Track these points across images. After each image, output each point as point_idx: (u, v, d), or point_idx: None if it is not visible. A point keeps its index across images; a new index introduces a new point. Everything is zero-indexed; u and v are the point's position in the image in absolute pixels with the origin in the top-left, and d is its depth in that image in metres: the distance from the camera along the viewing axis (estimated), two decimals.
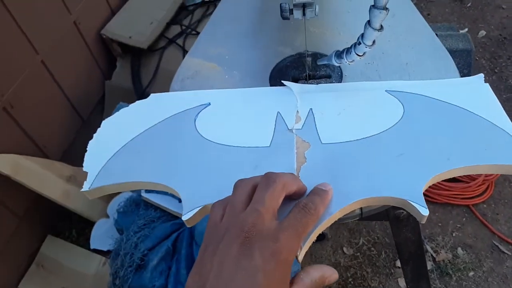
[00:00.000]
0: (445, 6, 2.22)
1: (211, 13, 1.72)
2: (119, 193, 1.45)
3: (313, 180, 0.46)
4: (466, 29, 2.07)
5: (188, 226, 0.47)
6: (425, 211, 0.41)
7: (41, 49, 1.36)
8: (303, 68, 0.61)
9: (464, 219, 1.45)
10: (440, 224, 1.44)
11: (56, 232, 1.48)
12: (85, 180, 0.50)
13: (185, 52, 1.63)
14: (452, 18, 2.15)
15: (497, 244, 1.37)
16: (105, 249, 1.40)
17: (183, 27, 1.69)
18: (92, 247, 1.40)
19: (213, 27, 0.75)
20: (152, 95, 0.60)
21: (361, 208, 0.49)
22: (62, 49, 1.46)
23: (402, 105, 0.52)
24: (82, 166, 0.52)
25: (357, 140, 0.49)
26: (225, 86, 0.61)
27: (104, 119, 0.57)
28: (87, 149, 0.53)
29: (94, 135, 0.55)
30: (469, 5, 2.19)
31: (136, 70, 1.62)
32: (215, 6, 0.74)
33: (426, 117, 0.50)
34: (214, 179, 0.48)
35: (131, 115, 0.58)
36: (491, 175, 1.45)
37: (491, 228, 1.40)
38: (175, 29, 1.71)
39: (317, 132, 0.51)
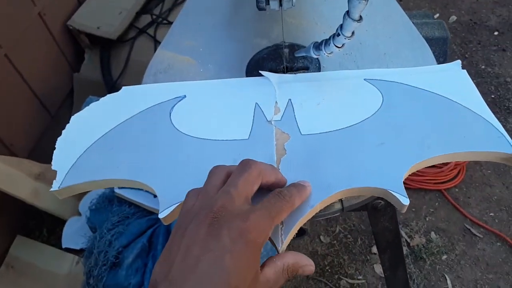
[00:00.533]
0: None
1: (182, 2, 1.69)
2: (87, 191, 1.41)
3: (294, 172, 0.45)
4: (438, 15, 2.10)
5: (165, 224, 0.45)
6: (405, 200, 0.41)
7: (4, 42, 1.29)
8: (280, 60, 0.60)
9: (436, 203, 1.48)
10: (413, 210, 1.47)
11: (26, 231, 1.43)
12: (55, 179, 0.48)
13: (156, 42, 1.59)
14: (423, 4, 2.18)
15: (469, 227, 1.41)
16: (77, 247, 1.36)
17: (154, 17, 1.65)
18: (64, 246, 1.36)
19: (186, 18, 0.72)
20: (124, 88, 0.57)
21: (342, 203, 0.48)
22: (26, 41, 1.39)
23: (381, 93, 0.51)
24: (51, 164, 0.49)
25: (337, 130, 0.48)
26: (200, 80, 0.59)
27: (73, 113, 0.54)
28: (55, 146, 0.51)
29: (63, 131, 0.52)
30: None
31: (105, 62, 1.57)
32: None
33: (405, 105, 0.50)
34: (192, 175, 0.47)
35: (102, 109, 0.55)
36: None
37: (463, 211, 1.44)
38: (146, 19, 1.66)
39: (297, 123, 0.50)
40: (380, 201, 0.67)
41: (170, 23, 1.62)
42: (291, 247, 1.43)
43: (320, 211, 0.45)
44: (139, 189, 0.49)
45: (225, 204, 0.33)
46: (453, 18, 2.08)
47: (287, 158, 0.47)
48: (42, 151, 1.45)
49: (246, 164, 0.37)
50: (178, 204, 0.44)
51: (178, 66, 0.62)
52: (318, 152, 0.47)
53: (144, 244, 1.25)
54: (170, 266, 0.31)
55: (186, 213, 0.35)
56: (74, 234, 1.36)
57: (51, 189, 0.47)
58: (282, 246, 0.40)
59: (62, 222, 1.37)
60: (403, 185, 0.42)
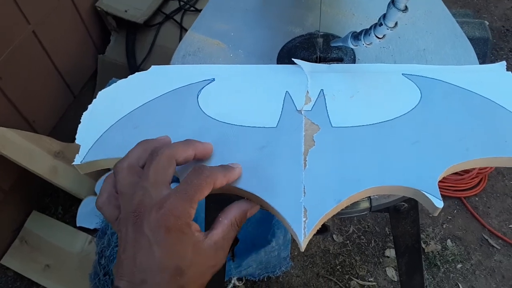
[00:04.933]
0: None
1: None
2: (108, 170, 1.42)
3: (321, 164, 0.44)
4: None
5: None
6: (439, 203, 0.40)
7: (33, 19, 1.30)
8: (313, 49, 0.58)
9: (455, 211, 1.45)
10: (431, 215, 1.44)
11: (41, 208, 1.45)
12: (77, 153, 0.47)
13: (182, 29, 1.58)
14: (455, 7, 2.12)
15: (486, 237, 1.37)
16: (91, 227, 1.37)
17: (182, 3, 1.64)
18: (78, 224, 1.37)
19: (218, 1, 0.71)
20: (153, 67, 0.56)
21: (370, 201, 0.47)
22: (54, 20, 1.40)
23: (420, 90, 0.49)
24: (71, 142, 0.49)
25: (370, 125, 0.47)
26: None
27: (95, 95, 0.53)
28: (80, 120, 0.50)
29: (89, 106, 0.52)
30: None
31: (130, 45, 1.57)
32: None
33: (445, 103, 0.47)
34: (216, 159, 0.45)
35: (130, 87, 0.54)
36: (485, 168, 1.45)
37: (481, 221, 1.40)
38: (173, 5, 1.65)
39: (328, 115, 0.48)
40: (403, 203, 0.65)
41: (198, 10, 1.61)
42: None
43: (347, 208, 0.43)
44: None
45: (141, 199, 0.34)
46: (486, 22, 2.02)
47: (315, 149, 0.45)
48: (63, 130, 1.46)
49: (153, 153, 0.37)
50: None
51: (208, 50, 0.61)
52: (349, 146, 0.45)
53: None
54: (118, 267, 0.35)
55: (116, 223, 0.37)
56: (89, 213, 1.37)
57: (73, 163, 0.47)
58: (304, 240, 0.39)
59: (78, 201, 1.39)
60: (437, 186, 0.40)
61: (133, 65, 1.55)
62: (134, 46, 1.58)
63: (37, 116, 1.37)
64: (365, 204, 0.46)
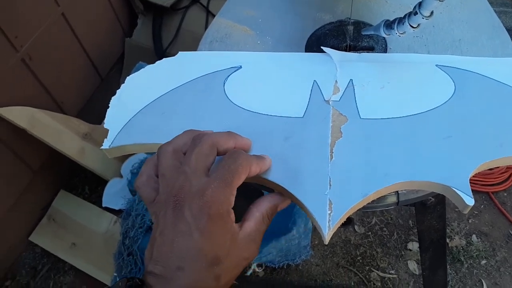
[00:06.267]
0: None
1: None
2: (134, 153, 1.44)
3: (348, 156, 0.43)
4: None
5: None
6: (470, 201, 0.38)
7: (62, 1, 1.31)
8: (343, 37, 0.56)
9: (482, 206, 1.41)
10: (456, 210, 1.41)
11: (69, 187, 1.49)
12: (105, 138, 0.48)
13: (209, 13, 1.57)
14: None
15: None
16: (116, 208, 1.40)
17: None
18: (104, 205, 1.40)
19: None
20: (180, 53, 0.56)
21: (397, 196, 0.45)
22: (83, 2, 1.41)
23: (454, 82, 0.47)
24: (98, 124, 0.49)
25: (400, 117, 0.45)
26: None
27: (122, 78, 0.54)
28: (109, 105, 0.51)
29: (118, 91, 0.52)
30: None
31: (157, 29, 1.57)
32: None
33: (480, 97, 0.46)
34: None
35: (157, 73, 0.54)
36: None
37: (509, 217, 1.36)
38: None
39: (356, 106, 0.47)
40: (430, 198, 0.64)
41: None
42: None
43: (373, 201, 0.42)
44: None
45: (182, 184, 0.34)
46: None
47: (342, 141, 0.44)
48: (90, 111, 1.49)
49: (197, 138, 0.37)
50: None
51: (235, 36, 0.60)
52: (377, 139, 0.44)
53: None
54: (153, 250, 0.34)
55: (153, 204, 0.37)
56: (115, 195, 1.40)
57: (102, 147, 0.47)
58: (329, 233, 0.39)
59: (104, 182, 1.42)
60: (469, 183, 0.39)
61: (160, 49, 1.56)
62: (160, 30, 1.58)
63: (65, 98, 1.40)
64: (392, 199, 0.45)
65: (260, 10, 0.64)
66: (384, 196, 0.44)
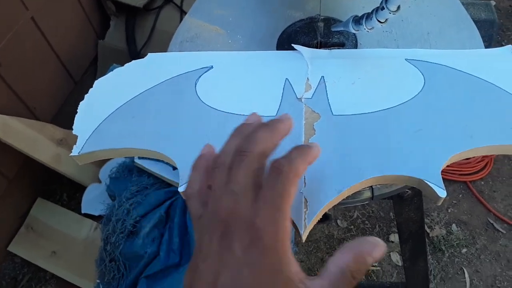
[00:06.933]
0: None
1: None
2: (107, 160, 1.42)
3: (322, 154, 0.42)
4: None
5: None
6: (442, 193, 0.39)
7: (31, 5, 1.28)
8: (314, 34, 0.56)
9: (460, 195, 1.44)
10: None
11: (47, 195, 1.46)
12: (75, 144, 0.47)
13: (183, 12, 1.55)
14: None
15: (492, 221, 1.37)
16: (96, 214, 1.38)
17: None
18: (83, 211, 1.38)
19: None
20: (150, 54, 0.55)
21: (372, 191, 0.46)
22: (53, 5, 1.38)
23: (423, 75, 0.48)
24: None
25: (372, 112, 0.45)
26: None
27: None
28: (77, 110, 0.49)
29: (86, 95, 0.51)
30: None
31: (130, 30, 1.55)
32: None
33: (449, 90, 0.46)
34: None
35: (127, 75, 0.53)
36: None
37: (487, 205, 1.39)
38: None
39: (329, 103, 0.47)
40: (407, 190, 0.64)
41: None
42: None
43: (348, 197, 0.43)
44: (159, 160, 0.47)
45: (231, 208, 0.30)
46: (492, 2, 1.97)
47: (316, 138, 0.44)
48: (65, 116, 1.46)
49: (242, 152, 0.32)
50: None
51: (206, 36, 0.59)
52: (350, 135, 0.44)
53: (161, 215, 1.26)
54: (193, 279, 0.30)
55: (198, 221, 0.32)
56: (94, 200, 1.37)
57: (71, 154, 0.46)
58: (305, 231, 0.39)
59: (82, 188, 1.39)
60: (441, 176, 0.39)
61: (134, 50, 1.54)
62: (134, 31, 1.56)
63: (38, 103, 1.37)
64: (367, 194, 0.45)
65: (231, 8, 0.63)
66: (359, 191, 0.44)
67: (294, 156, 0.32)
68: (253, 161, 0.31)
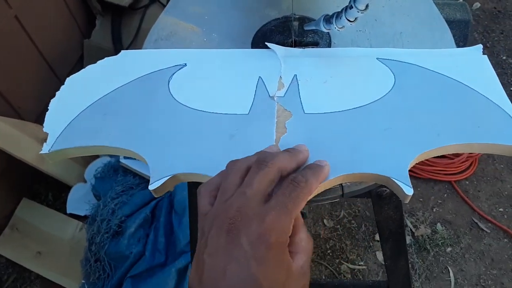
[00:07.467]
0: None
1: None
2: (96, 157, 1.41)
3: None
4: (461, 0, 2.02)
5: (156, 196, 0.43)
6: (409, 190, 0.39)
7: (15, 3, 1.27)
8: (288, 33, 0.56)
9: (445, 195, 1.45)
10: (421, 199, 1.44)
11: (32, 195, 1.45)
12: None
13: None
14: None
15: (476, 221, 1.38)
16: (82, 214, 1.37)
17: None
18: (68, 211, 1.37)
19: None
20: (123, 51, 0.55)
21: (342, 188, 0.46)
22: (37, 4, 1.37)
23: (394, 74, 0.48)
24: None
25: (342, 111, 0.46)
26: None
27: None
28: (48, 108, 0.49)
29: (57, 92, 0.51)
30: None
31: (116, 29, 1.54)
32: None
33: (418, 89, 0.46)
34: (186, 148, 0.44)
35: (99, 72, 0.53)
36: None
37: (471, 205, 1.40)
38: None
39: (301, 101, 0.47)
40: (385, 189, 0.65)
41: None
42: None
43: (318, 195, 0.43)
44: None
45: (240, 207, 0.32)
46: (477, 5, 1.99)
47: (287, 137, 0.44)
48: None
49: (263, 162, 0.35)
50: (169, 177, 0.42)
51: (181, 34, 0.59)
52: (320, 133, 0.44)
53: (147, 215, 1.26)
54: (201, 275, 0.32)
55: (203, 216, 0.35)
56: (79, 200, 1.37)
57: (41, 152, 0.46)
58: None
59: (68, 187, 1.38)
60: (408, 174, 0.40)
61: (120, 49, 1.51)
62: (120, 30, 1.55)
63: (23, 103, 1.36)
64: (337, 192, 0.46)
65: (206, 6, 0.63)
66: (329, 189, 0.44)
67: (310, 174, 0.36)
68: (270, 171, 0.35)
